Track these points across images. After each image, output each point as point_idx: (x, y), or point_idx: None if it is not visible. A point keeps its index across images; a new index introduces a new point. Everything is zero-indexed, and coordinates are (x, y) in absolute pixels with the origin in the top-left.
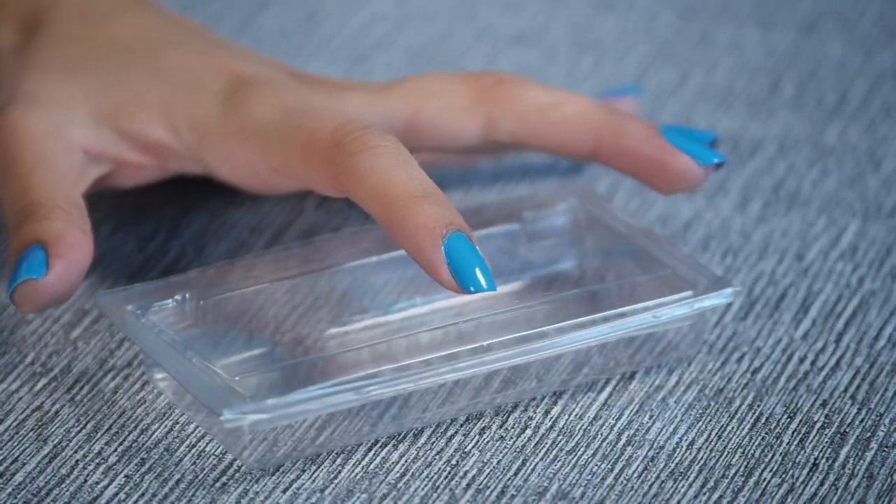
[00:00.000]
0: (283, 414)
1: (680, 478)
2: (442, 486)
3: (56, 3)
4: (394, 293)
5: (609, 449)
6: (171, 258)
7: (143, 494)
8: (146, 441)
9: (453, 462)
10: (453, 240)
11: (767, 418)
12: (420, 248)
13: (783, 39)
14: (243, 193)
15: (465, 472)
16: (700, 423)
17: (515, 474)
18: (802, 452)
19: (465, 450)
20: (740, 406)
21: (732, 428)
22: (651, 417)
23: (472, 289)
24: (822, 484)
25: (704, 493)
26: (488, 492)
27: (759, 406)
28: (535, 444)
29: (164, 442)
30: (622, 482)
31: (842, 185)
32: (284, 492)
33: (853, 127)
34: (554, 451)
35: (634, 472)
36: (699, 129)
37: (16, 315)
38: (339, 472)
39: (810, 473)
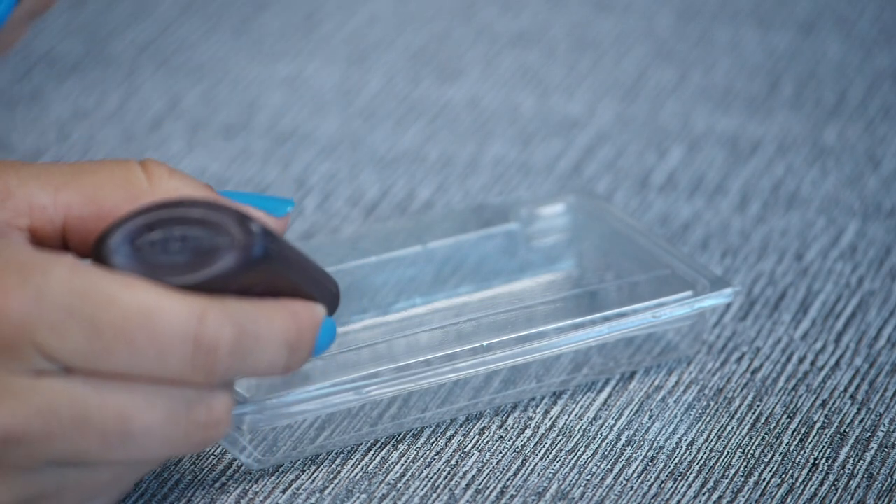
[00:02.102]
0: (283, 414)
1: (679, 478)
2: (441, 487)
3: None
4: (393, 293)
5: (609, 449)
6: None
7: (142, 494)
8: None
9: (453, 462)
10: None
11: (767, 418)
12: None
13: (782, 39)
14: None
15: (465, 473)
16: (700, 423)
17: (515, 474)
18: (802, 452)
19: (465, 450)
20: (740, 406)
21: (732, 428)
22: (651, 417)
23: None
24: (821, 484)
25: (704, 494)
26: (488, 492)
27: (758, 406)
28: (535, 445)
29: None
30: (622, 482)
31: (841, 185)
32: (284, 492)
33: (852, 127)
34: (553, 452)
35: (634, 472)
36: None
37: None
38: (339, 472)
39: (810, 473)
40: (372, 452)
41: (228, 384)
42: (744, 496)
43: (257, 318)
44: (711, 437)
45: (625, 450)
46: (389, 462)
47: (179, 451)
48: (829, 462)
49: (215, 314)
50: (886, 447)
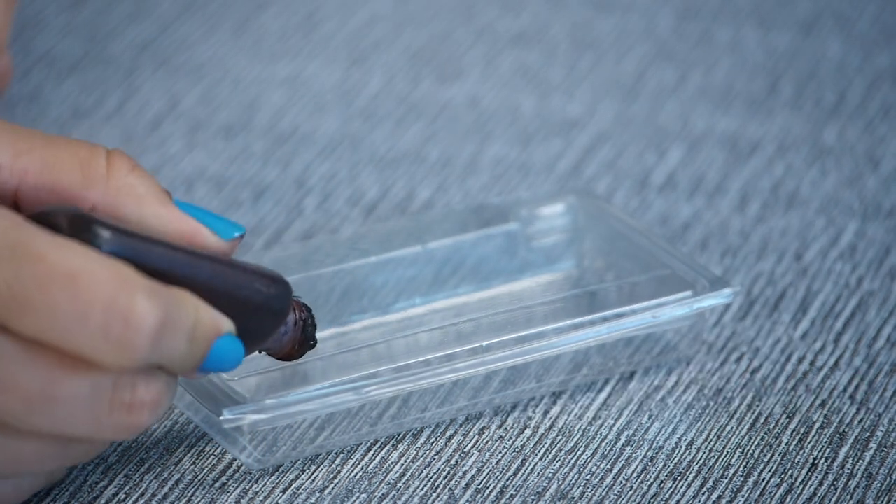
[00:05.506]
0: (283, 414)
1: (679, 478)
2: (441, 486)
3: None
4: (393, 293)
5: (608, 449)
6: None
7: (142, 494)
8: (146, 441)
9: (452, 462)
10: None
11: (766, 418)
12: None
13: (782, 39)
14: (243, 194)
15: (465, 472)
16: (699, 422)
17: (514, 474)
18: (801, 452)
19: (465, 450)
20: (739, 406)
21: (731, 428)
22: (650, 417)
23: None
24: (821, 484)
25: (703, 493)
26: (487, 492)
27: (758, 406)
28: (535, 445)
29: (163, 442)
30: (621, 482)
31: (840, 185)
32: (284, 492)
33: (852, 127)
34: (553, 451)
35: (633, 472)
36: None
37: None
38: (339, 472)
39: (809, 473)
40: (372, 452)
41: (161, 373)
42: (743, 496)
43: (180, 305)
44: (711, 437)
45: (624, 450)
46: (389, 462)
47: (103, 432)
48: (829, 462)
49: (143, 290)
50: (885, 447)
